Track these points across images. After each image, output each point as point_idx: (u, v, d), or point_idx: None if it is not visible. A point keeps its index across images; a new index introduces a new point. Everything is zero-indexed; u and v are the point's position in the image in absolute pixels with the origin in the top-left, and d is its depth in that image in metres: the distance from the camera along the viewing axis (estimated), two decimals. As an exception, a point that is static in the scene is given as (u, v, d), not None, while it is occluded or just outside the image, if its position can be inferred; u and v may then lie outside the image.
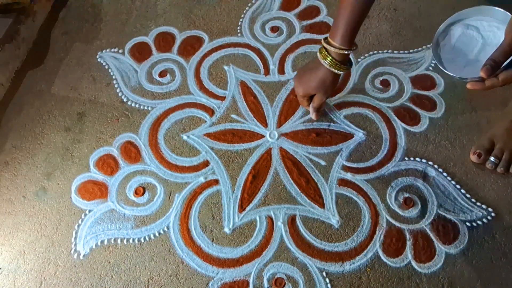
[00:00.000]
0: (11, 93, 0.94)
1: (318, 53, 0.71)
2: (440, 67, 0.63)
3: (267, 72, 0.93)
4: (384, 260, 0.71)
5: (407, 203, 0.75)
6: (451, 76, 0.61)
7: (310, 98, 0.79)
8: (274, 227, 0.75)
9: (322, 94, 0.76)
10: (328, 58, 0.69)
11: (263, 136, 0.85)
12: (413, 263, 0.71)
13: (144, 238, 0.76)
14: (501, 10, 0.60)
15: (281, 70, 0.93)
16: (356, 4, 0.65)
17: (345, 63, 0.71)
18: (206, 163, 0.82)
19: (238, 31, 0.99)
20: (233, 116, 0.87)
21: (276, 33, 0.98)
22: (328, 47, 0.69)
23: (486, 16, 0.63)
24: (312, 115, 0.82)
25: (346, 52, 0.68)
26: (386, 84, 0.89)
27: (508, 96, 0.85)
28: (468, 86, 0.58)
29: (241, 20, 1.01)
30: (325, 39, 0.70)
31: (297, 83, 0.78)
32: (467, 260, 0.70)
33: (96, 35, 1.02)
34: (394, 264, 0.71)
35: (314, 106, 0.79)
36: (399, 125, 0.84)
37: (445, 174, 0.78)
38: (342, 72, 0.72)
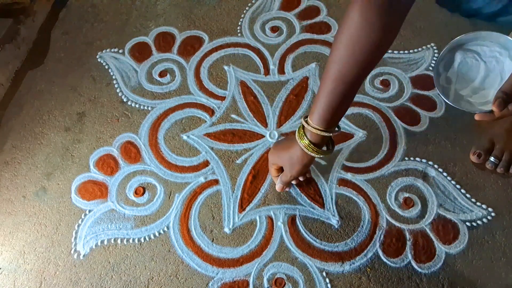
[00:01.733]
0: (11, 93, 0.94)
1: (296, 133, 0.64)
2: (445, 99, 0.61)
3: (267, 72, 0.93)
4: (384, 260, 0.71)
5: (407, 203, 0.75)
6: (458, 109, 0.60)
7: (281, 169, 0.73)
8: (274, 227, 0.75)
9: (289, 171, 0.69)
10: (304, 140, 0.62)
11: (263, 136, 0.85)
12: (413, 263, 0.71)
13: (144, 238, 0.76)
14: (502, 35, 0.60)
15: (281, 70, 0.93)
16: (337, 84, 0.56)
17: (321, 146, 0.63)
18: (206, 163, 0.82)
19: (238, 31, 0.99)
20: (233, 116, 0.87)
21: (276, 33, 0.98)
22: (305, 125, 0.61)
23: (486, 40, 0.62)
24: (277, 186, 0.76)
25: (325, 134, 0.60)
26: (386, 84, 0.89)
27: (508, 96, 0.85)
28: (477, 117, 0.57)
29: (241, 20, 1.01)
30: (305, 117, 0.63)
31: (272, 149, 0.73)
32: (467, 260, 0.70)
33: (96, 35, 1.02)
34: (394, 264, 0.71)
35: (282, 180, 0.73)
36: (399, 125, 0.84)
37: (445, 174, 0.78)
38: (314, 155, 0.63)
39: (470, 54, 0.62)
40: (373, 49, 0.52)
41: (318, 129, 0.60)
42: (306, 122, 0.62)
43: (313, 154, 0.63)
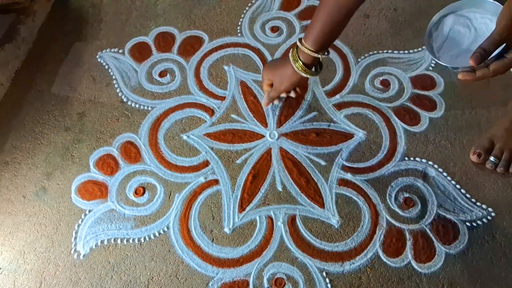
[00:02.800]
0: (11, 93, 0.94)
1: (290, 52, 0.71)
2: (432, 56, 0.64)
3: (267, 72, 0.93)
4: (384, 260, 0.71)
5: (407, 203, 0.75)
6: (443, 67, 0.61)
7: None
8: (274, 227, 0.75)
9: (278, 86, 0.77)
10: (297, 60, 0.70)
11: (263, 136, 0.85)
12: (413, 263, 0.71)
13: (144, 238, 0.76)
14: (494, 2, 0.61)
15: (281, 70, 0.93)
16: (332, 9, 0.63)
17: (311, 67, 0.71)
18: (206, 163, 0.82)
19: (238, 31, 0.99)
20: (233, 116, 0.87)
21: (276, 33, 0.98)
22: (300, 46, 0.68)
23: (479, 8, 0.64)
24: (264, 101, 0.84)
25: (315, 55, 0.68)
26: (386, 84, 0.89)
27: (508, 96, 0.85)
28: (459, 76, 0.59)
29: (241, 20, 1.01)
30: (300, 39, 0.70)
31: (267, 65, 0.80)
32: (467, 260, 0.70)
33: (96, 35, 1.02)
34: (394, 264, 0.71)
35: (270, 95, 0.81)
36: (399, 125, 0.84)
37: (445, 174, 0.78)
38: (303, 74, 0.71)
39: (461, 20, 0.64)
40: None
41: (311, 50, 0.67)
42: (301, 43, 0.68)
43: (302, 74, 0.71)
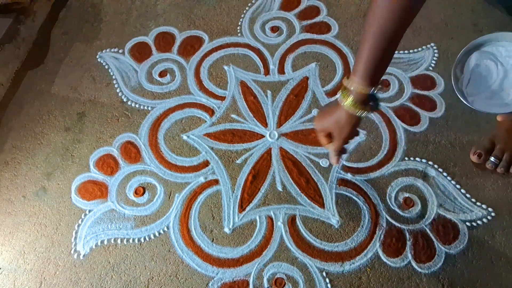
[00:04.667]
0: (11, 93, 0.94)
1: (339, 93, 0.64)
2: (465, 102, 0.61)
3: (267, 72, 0.93)
4: (384, 260, 0.71)
5: (407, 203, 0.75)
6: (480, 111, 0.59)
7: (329, 136, 0.71)
8: (274, 227, 0.75)
9: (339, 135, 0.67)
10: (347, 98, 0.62)
11: (263, 136, 0.85)
12: (413, 263, 0.71)
13: (144, 238, 0.76)
14: None
15: (281, 70, 0.93)
16: (379, 39, 0.58)
17: (366, 103, 0.62)
18: (206, 163, 0.82)
19: (238, 31, 0.99)
20: (233, 116, 0.87)
21: (276, 33, 0.98)
22: (347, 84, 0.62)
23: (501, 40, 0.62)
24: (332, 160, 0.72)
25: (367, 92, 0.60)
26: (386, 84, 0.89)
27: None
28: (499, 118, 0.57)
29: (241, 20, 1.01)
30: (346, 77, 0.63)
31: (316, 117, 0.71)
32: (467, 260, 0.70)
33: (96, 35, 1.02)
34: (394, 264, 0.71)
35: (333, 149, 0.70)
36: (399, 125, 0.84)
37: (445, 174, 0.78)
38: (361, 115, 0.63)
39: (485, 56, 0.62)
40: (411, 2, 0.55)
41: (362, 86, 0.60)
42: (349, 80, 0.61)
43: (359, 113, 0.62)
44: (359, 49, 0.60)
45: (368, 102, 0.63)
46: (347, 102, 0.62)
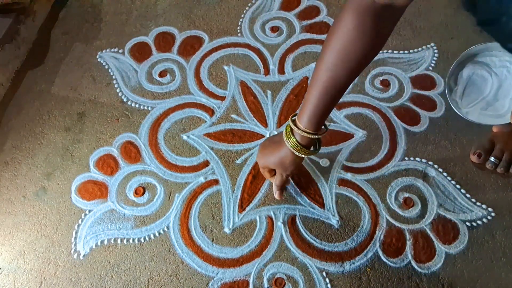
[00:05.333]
0: (11, 93, 0.94)
1: (284, 130, 0.65)
2: (459, 113, 0.61)
3: (267, 72, 0.93)
4: (384, 260, 0.71)
5: (407, 203, 0.75)
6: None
7: (274, 171, 0.74)
8: (274, 227, 0.75)
9: (283, 172, 0.70)
10: (291, 140, 0.63)
11: (263, 136, 0.85)
12: (413, 263, 0.71)
13: (144, 238, 0.76)
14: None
15: (281, 70, 0.93)
16: (328, 89, 0.57)
17: (309, 146, 0.64)
18: (206, 163, 0.82)
19: (238, 31, 0.99)
20: (233, 116, 0.87)
21: (276, 33, 0.98)
22: (293, 127, 0.62)
23: (494, 51, 0.62)
24: (275, 194, 0.75)
25: (311, 137, 0.61)
26: (386, 84, 0.89)
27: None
28: (495, 129, 0.57)
29: (241, 20, 1.01)
30: (293, 116, 0.64)
31: (259, 153, 0.73)
32: (467, 260, 0.70)
33: (96, 35, 1.02)
34: (394, 264, 0.71)
35: (276, 184, 0.74)
36: (399, 125, 0.84)
37: (445, 174, 0.78)
38: (303, 156, 0.65)
39: (479, 66, 0.62)
40: (366, 53, 0.54)
41: (307, 132, 0.61)
42: (295, 124, 0.62)
43: (302, 155, 0.64)
44: (307, 94, 0.60)
45: (311, 145, 0.65)
46: (292, 145, 0.63)
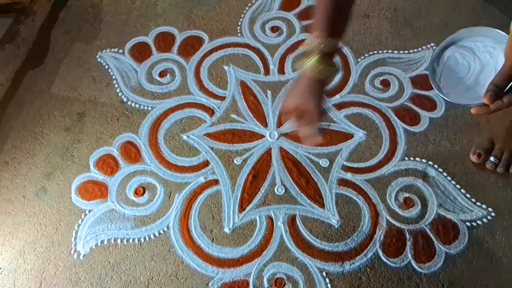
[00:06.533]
0: (11, 93, 0.94)
1: (298, 60, 0.59)
2: (440, 94, 0.62)
3: (267, 72, 0.93)
4: (384, 260, 0.71)
5: (407, 203, 0.75)
6: (453, 103, 0.60)
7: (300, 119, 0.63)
8: (274, 227, 0.75)
9: (312, 104, 0.58)
10: (312, 58, 0.57)
11: (263, 136, 0.85)
12: (413, 263, 0.71)
13: (144, 238, 0.76)
14: (495, 29, 0.60)
15: (281, 70, 0.93)
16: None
17: (332, 56, 0.58)
18: (206, 163, 0.82)
19: (238, 31, 0.99)
20: (233, 116, 0.87)
21: (276, 33, 0.98)
22: (310, 40, 0.57)
23: (480, 36, 0.63)
24: (310, 140, 0.62)
25: (329, 43, 0.56)
26: (386, 84, 0.89)
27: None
28: (473, 111, 0.57)
29: (241, 20, 1.01)
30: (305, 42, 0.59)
31: (285, 98, 0.64)
32: (467, 260, 0.70)
33: (96, 35, 1.02)
34: (394, 264, 0.71)
35: (310, 122, 0.60)
36: (399, 125, 0.84)
37: (445, 174, 0.78)
38: (326, 74, 0.58)
39: (463, 51, 0.63)
40: None
41: (324, 38, 0.56)
42: (309, 41, 0.57)
43: (324, 70, 0.57)
44: (315, 8, 0.58)
45: (332, 58, 0.58)
46: (311, 60, 0.57)
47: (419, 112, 0.85)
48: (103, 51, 0.99)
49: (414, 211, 0.75)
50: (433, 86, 0.63)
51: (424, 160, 0.80)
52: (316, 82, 0.58)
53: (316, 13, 0.58)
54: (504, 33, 0.58)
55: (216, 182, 0.80)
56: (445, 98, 0.61)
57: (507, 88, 0.53)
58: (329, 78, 0.60)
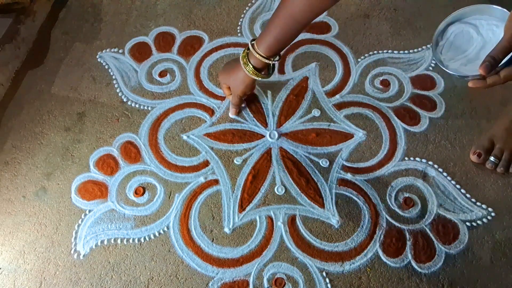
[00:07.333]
0: (11, 93, 0.94)
1: (240, 57, 0.73)
2: (441, 66, 0.63)
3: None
4: (384, 260, 0.71)
5: (407, 203, 0.76)
6: (452, 76, 0.61)
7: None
8: (274, 227, 0.75)
9: (235, 91, 0.79)
10: (249, 67, 0.72)
11: (263, 136, 0.85)
12: (413, 263, 0.71)
13: (144, 238, 0.76)
14: (500, 8, 0.61)
15: (281, 70, 0.93)
16: (288, 21, 0.65)
17: (262, 71, 0.74)
18: (206, 163, 0.82)
19: (238, 31, 0.99)
20: (233, 116, 0.87)
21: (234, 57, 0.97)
22: (252, 51, 0.70)
23: (485, 14, 0.64)
24: (230, 112, 0.86)
25: (266, 61, 0.70)
26: (386, 84, 0.89)
27: (508, 96, 0.85)
28: (470, 84, 0.58)
29: (241, 20, 1.01)
30: (252, 41, 0.71)
31: (221, 70, 0.82)
32: (467, 260, 0.70)
33: (96, 35, 1.02)
34: (394, 264, 0.71)
35: (232, 103, 0.83)
36: (399, 125, 0.84)
37: (445, 174, 0.78)
38: (256, 78, 0.74)
39: (467, 27, 0.64)
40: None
41: (263, 56, 0.69)
42: (253, 47, 0.70)
43: (254, 77, 0.73)
44: (269, 23, 0.67)
45: (264, 70, 0.74)
46: (248, 69, 0.72)
47: (419, 112, 0.85)
48: (103, 51, 0.99)
49: (414, 211, 0.75)
50: (434, 58, 0.65)
51: (424, 160, 0.80)
52: (249, 78, 0.75)
53: (269, 31, 0.67)
54: (508, 12, 0.59)
55: (216, 182, 0.80)
56: (445, 69, 0.62)
57: (504, 62, 0.53)
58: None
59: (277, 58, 0.72)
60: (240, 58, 0.73)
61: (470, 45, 0.63)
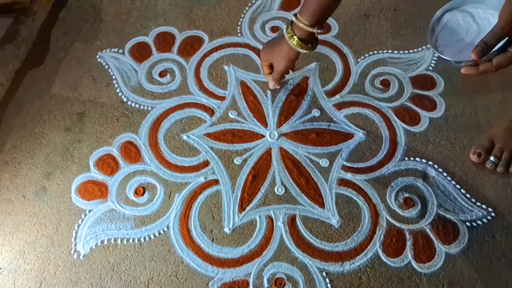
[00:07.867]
0: (11, 93, 0.94)
1: (284, 31, 0.72)
2: (435, 51, 0.64)
3: (267, 72, 0.93)
4: (384, 260, 0.71)
5: (407, 203, 0.75)
6: (446, 62, 0.61)
7: (271, 67, 0.82)
8: (274, 227, 0.75)
9: (278, 66, 0.78)
10: (294, 38, 0.71)
11: (263, 136, 0.85)
12: (413, 263, 0.71)
13: (144, 238, 0.76)
14: None
15: (281, 70, 0.93)
16: None
17: (309, 42, 0.72)
18: (206, 163, 0.82)
19: (238, 31, 0.99)
20: (233, 116, 0.87)
21: (276, 33, 0.98)
22: (295, 21, 0.69)
23: (482, 4, 0.64)
24: (270, 84, 0.84)
25: (310, 30, 0.69)
26: (386, 84, 0.89)
27: (508, 96, 0.85)
28: (463, 70, 0.59)
29: (241, 20, 1.01)
30: (295, 14, 0.71)
31: (263, 48, 0.81)
32: (467, 260, 0.70)
33: (96, 35, 1.02)
34: (394, 264, 0.71)
35: (274, 77, 0.82)
36: (399, 125, 0.84)
37: (445, 174, 0.78)
38: (301, 51, 0.72)
39: (464, 15, 0.64)
40: None
41: (306, 25, 0.68)
42: (296, 18, 0.69)
43: (299, 49, 0.72)
44: None
45: (309, 41, 0.72)
46: (293, 41, 0.71)
47: (419, 112, 0.85)
48: (103, 51, 0.99)
49: (414, 211, 0.75)
50: (429, 44, 0.65)
51: (424, 160, 0.80)
52: (293, 52, 0.74)
53: (308, 1, 0.68)
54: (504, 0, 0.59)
55: (216, 182, 0.80)
56: (439, 54, 0.63)
57: (496, 49, 0.54)
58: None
59: (321, 29, 0.70)
60: (284, 32, 0.72)
61: (465, 32, 0.64)
